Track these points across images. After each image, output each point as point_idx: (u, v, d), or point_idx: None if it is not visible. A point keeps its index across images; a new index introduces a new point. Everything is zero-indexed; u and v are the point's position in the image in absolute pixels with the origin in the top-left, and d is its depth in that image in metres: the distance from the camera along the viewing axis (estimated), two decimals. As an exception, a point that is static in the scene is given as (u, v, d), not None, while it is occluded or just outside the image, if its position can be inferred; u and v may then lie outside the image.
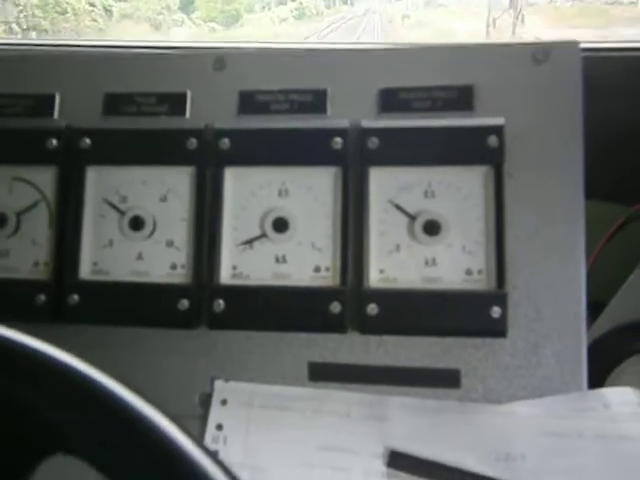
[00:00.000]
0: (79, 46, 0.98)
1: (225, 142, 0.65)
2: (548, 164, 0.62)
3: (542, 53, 0.65)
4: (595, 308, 0.68)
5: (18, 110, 0.70)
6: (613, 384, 0.64)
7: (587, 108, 0.63)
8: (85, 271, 0.66)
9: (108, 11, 3.29)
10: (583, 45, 0.65)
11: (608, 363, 0.68)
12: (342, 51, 0.71)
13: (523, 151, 0.62)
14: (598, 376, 0.63)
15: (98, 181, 0.68)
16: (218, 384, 0.60)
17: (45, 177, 0.68)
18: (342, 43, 1.13)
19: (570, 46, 0.64)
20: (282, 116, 0.66)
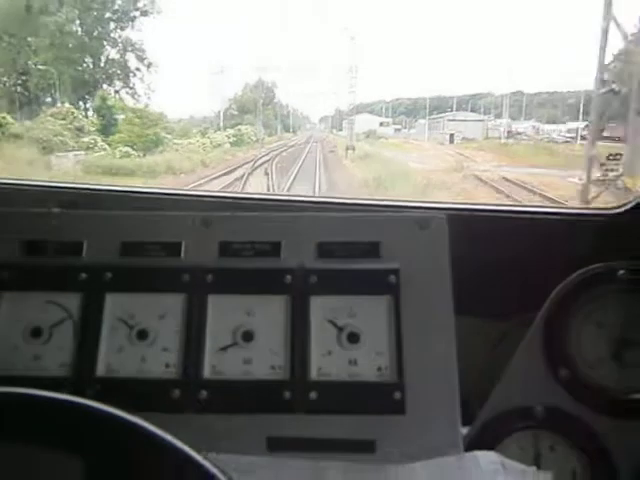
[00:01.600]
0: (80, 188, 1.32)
1: (209, 277, 0.90)
2: (428, 294, 0.88)
3: (424, 221, 0.93)
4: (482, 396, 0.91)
5: (52, 251, 0.91)
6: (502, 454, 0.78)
7: (460, 248, 0.89)
8: (101, 370, 0.86)
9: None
10: (462, 207, 1.07)
11: (495, 439, 0.89)
12: (292, 216, 0.96)
13: (412, 285, 0.89)
14: (489, 448, 0.80)
15: (114, 303, 0.90)
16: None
17: (72, 300, 0.89)
18: (294, 202, 1.23)
19: (440, 220, 0.92)
20: (250, 259, 0.93)
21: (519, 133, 39.24)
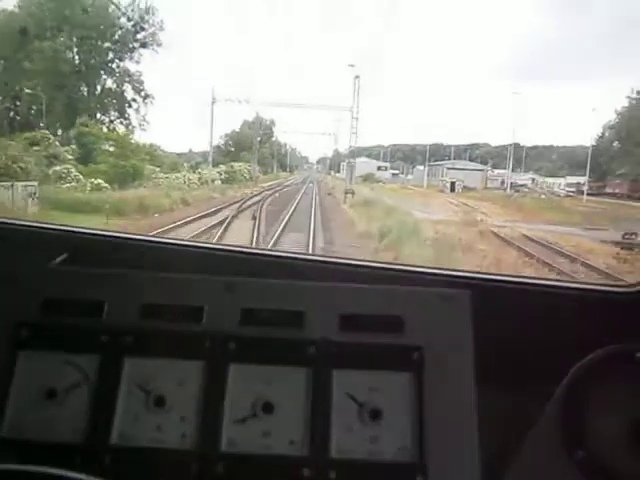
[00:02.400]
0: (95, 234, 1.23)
1: (231, 345, 0.87)
2: (451, 373, 0.86)
3: (448, 297, 0.91)
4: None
5: (72, 310, 0.90)
6: None
7: (480, 319, 0.88)
8: (115, 438, 0.82)
9: None
10: (484, 277, 1.07)
11: None
12: (316, 286, 0.94)
13: (435, 363, 0.87)
14: None
15: (132, 368, 0.86)
16: None
17: (90, 363, 0.86)
18: (313, 261, 1.22)
19: (463, 296, 0.91)
20: (272, 328, 0.89)
21: (521, 185, 38.92)
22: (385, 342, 0.89)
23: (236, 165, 30.63)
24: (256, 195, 21.54)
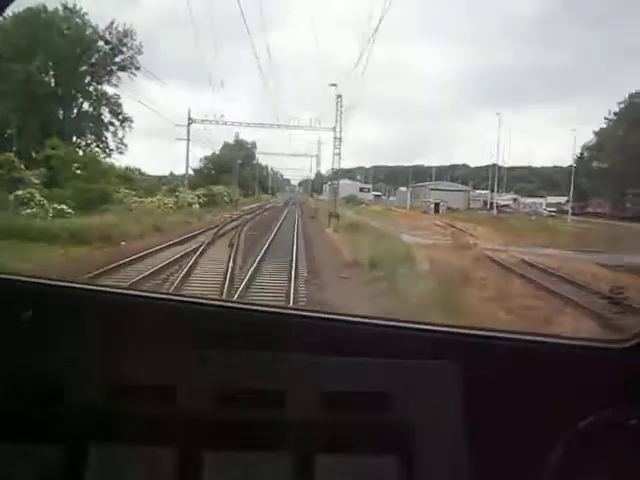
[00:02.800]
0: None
1: (204, 429, 0.82)
2: (441, 452, 0.84)
3: (437, 370, 0.86)
4: None
5: (31, 395, 0.86)
6: None
7: (470, 387, 0.87)
8: None
9: None
10: (477, 333, 1.00)
11: None
12: (297, 362, 0.88)
13: (424, 442, 0.83)
14: None
15: (98, 456, 0.84)
16: None
17: (51, 452, 0.82)
18: (284, 314, 1.16)
19: (454, 369, 0.86)
20: (251, 409, 0.84)
21: (503, 205, 38.72)
22: (371, 421, 0.85)
23: (215, 188, 29.55)
24: (235, 219, 20.37)
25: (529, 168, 40.79)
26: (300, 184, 51.79)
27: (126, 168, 25.19)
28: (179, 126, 22.50)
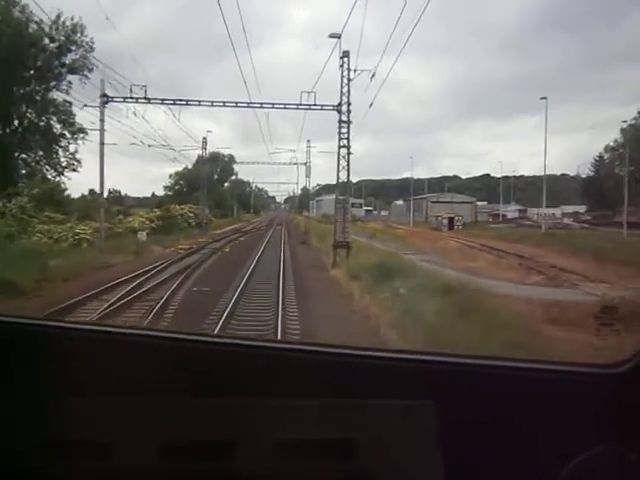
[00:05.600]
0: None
1: None
2: None
3: (411, 410, 0.77)
4: None
5: None
6: None
7: (451, 425, 0.78)
8: None
9: None
10: (460, 361, 0.88)
11: None
12: (249, 405, 0.77)
13: None
14: None
15: None
16: None
17: None
18: (240, 345, 0.96)
19: (429, 407, 0.77)
20: (195, 462, 0.76)
21: (521, 217, 33.43)
22: (332, 474, 0.75)
23: (176, 208, 22.76)
24: (192, 252, 13.48)
25: (522, 177, 38.24)
26: (286, 201, 47.56)
27: (52, 188, 18.62)
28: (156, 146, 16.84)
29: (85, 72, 19.94)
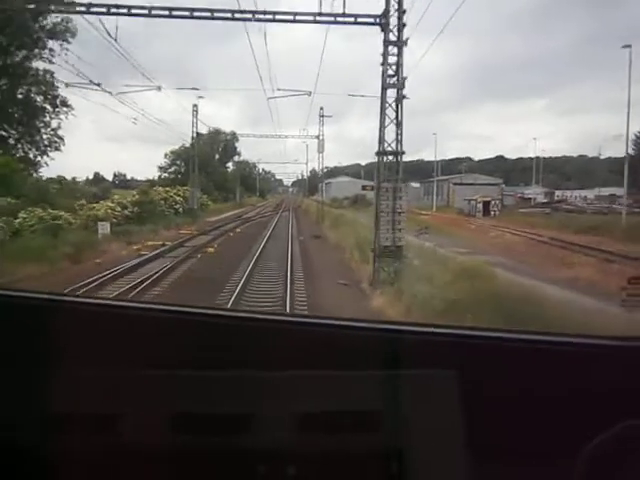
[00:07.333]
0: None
1: (156, 462, 0.74)
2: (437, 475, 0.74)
3: (429, 378, 0.75)
4: None
5: None
6: None
7: (473, 395, 0.77)
8: None
9: None
10: (474, 333, 0.89)
11: None
12: (266, 377, 0.75)
13: (417, 471, 0.73)
14: None
15: None
16: None
17: None
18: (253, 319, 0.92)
19: (450, 379, 0.75)
20: (211, 436, 0.74)
21: (558, 202, 29.41)
22: (355, 448, 0.72)
23: (158, 191, 18.56)
24: (160, 255, 9.37)
25: (536, 159, 34.96)
26: (293, 184, 44.29)
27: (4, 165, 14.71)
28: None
29: (67, 36, 17.00)
